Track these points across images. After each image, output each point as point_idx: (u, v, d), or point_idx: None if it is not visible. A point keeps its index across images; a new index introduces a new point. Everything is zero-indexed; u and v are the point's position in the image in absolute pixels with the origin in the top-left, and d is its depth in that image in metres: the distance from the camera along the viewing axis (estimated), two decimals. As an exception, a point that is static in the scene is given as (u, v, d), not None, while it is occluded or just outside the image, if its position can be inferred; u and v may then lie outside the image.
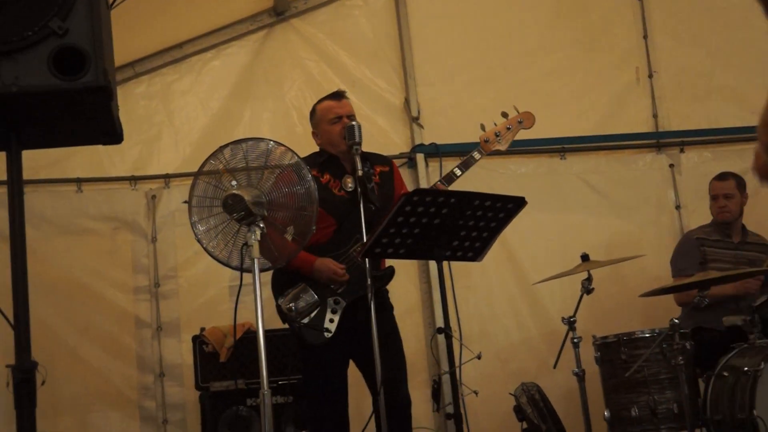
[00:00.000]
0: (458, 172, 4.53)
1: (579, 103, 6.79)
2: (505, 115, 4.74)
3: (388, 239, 3.80)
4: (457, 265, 4.81)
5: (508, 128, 4.76)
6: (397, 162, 6.19)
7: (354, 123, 4.31)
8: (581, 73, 6.84)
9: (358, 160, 4.21)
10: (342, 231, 4.41)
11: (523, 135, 6.40)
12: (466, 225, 3.87)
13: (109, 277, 6.10)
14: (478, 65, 6.74)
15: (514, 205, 3.92)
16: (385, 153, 6.19)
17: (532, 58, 6.79)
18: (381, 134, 6.51)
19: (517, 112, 4.79)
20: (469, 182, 6.26)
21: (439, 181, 4.49)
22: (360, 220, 4.14)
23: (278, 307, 4.38)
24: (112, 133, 3.02)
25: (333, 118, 4.53)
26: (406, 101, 6.61)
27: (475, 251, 4.03)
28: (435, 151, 6.39)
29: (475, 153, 4.61)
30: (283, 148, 3.85)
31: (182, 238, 6.11)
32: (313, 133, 4.64)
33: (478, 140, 4.68)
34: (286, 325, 4.44)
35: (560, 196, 6.56)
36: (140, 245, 6.18)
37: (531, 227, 6.18)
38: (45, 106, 2.82)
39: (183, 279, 6.17)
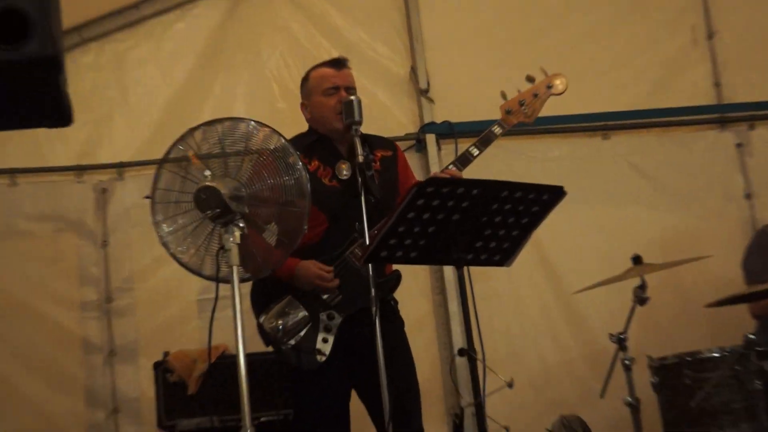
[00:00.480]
0: (475, 151, 4.51)
1: (623, 72, 6.80)
2: (530, 79, 4.65)
3: (397, 240, 3.77)
4: (478, 271, 4.79)
5: (535, 95, 4.68)
6: (402, 145, 6.22)
7: (353, 98, 4.28)
8: (625, 34, 6.85)
9: (357, 142, 4.18)
10: (335, 229, 4.40)
11: (556, 110, 6.38)
12: (491, 222, 3.84)
13: (50, 290, 6.11)
14: (500, 26, 6.74)
15: (551, 196, 3.88)
16: (387, 134, 6.18)
17: (565, 17, 6.81)
18: (382, 111, 6.52)
19: (546, 74, 4.72)
20: (490, 169, 6.24)
21: (453, 163, 4.47)
22: (358, 216, 4.09)
23: (260, 326, 4.36)
24: (60, 115, 2.98)
25: (329, 89, 4.53)
26: (413, 70, 6.61)
27: (502, 254, 4.00)
28: (448, 131, 6.40)
29: (495, 127, 4.58)
30: (267, 129, 3.83)
31: (140, 242, 6.10)
32: (302, 105, 4.64)
33: (499, 112, 4.63)
34: (271, 348, 4.43)
35: (603, 185, 6.57)
36: (88, 250, 6.18)
37: (568, 223, 6.15)
38: (-24, 82, 2.79)
39: (141, 292, 6.17)
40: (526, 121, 4.67)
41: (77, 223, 6.20)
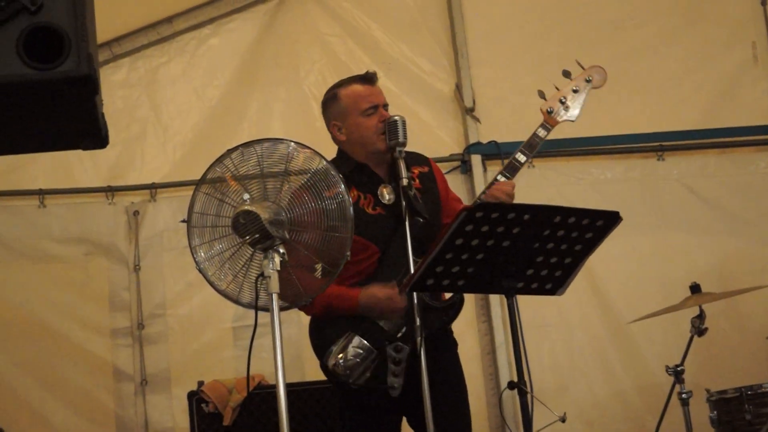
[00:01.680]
0: (522, 157, 4.46)
1: (679, 89, 6.77)
2: (567, 74, 4.60)
3: (444, 268, 3.76)
4: (526, 299, 4.77)
5: (575, 90, 4.61)
6: (446, 167, 6.25)
7: (397, 117, 4.28)
8: (681, 49, 6.82)
9: (402, 165, 4.20)
10: (389, 257, 4.34)
11: (608, 129, 6.43)
12: (543, 249, 3.83)
13: (80, 315, 6.13)
14: (549, 40, 6.73)
15: (605, 222, 3.87)
16: (430, 154, 6.21)
17: (618, 31, 6.79)
18: (424, 131, 6.51)
19: (582, 67, 4.66)
20: (539, 192, 6.30)
21: (502, 173, 4.42)
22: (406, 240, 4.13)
23: (324, 367, 4.29)
24: (95, 136, 3.01)
25: (368, 109, 4.43)
26: (458, 87, 6.61)
27: (554, 282, 3.99)
28: (495, 152, 6.39)
29: (540, 129, 4.53)
30: (308, 150, 3.83)
31: (172, 266, 6.14)
32: (334, 126, 4.52)
33: (541, 112, 4.57)
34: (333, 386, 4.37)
35: (658, 209, 6.54)
36: (119, 275, 6.21)
37: (622, 249, 6.16)
38: (12, 102, 2.81)
39: (174, 318, 6.19)
40: (570, 119, 4.62)
41: (108, 247, 6.23)
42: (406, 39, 6.70)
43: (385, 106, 4.49)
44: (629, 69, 6.61)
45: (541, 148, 6.11)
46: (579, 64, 4.63)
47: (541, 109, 4.56)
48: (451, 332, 4.53)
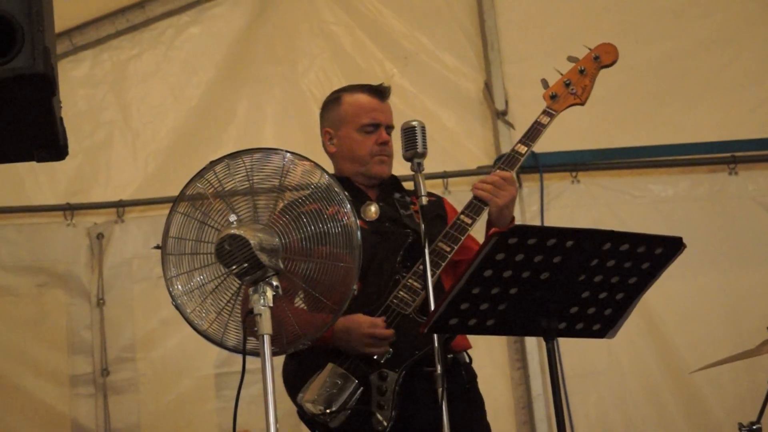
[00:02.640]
0: (523, 148, 4.56)
1: (755, 90, 6.79)
2: (573, 59, 4.77)
3: (471, 304, 3.76)
4: (569, 344, 4.77)
5: (581, 71, 4.76)
6: (474, 181, 6.21)
7: (415, 123, 4.30)
8: (757, 43, 6.84)
9: (421, 180, 4.21)
10: (372, 276, 4.42)
11: (668, 137, 6.42)
12: (590, 282, 3.82)
13: (33, 360, 6.14)
14: (597, 32, 6.70)
15: (666, 249, 3.85)
16: (454, 167, 6.28)
17: (680, 21, 6.81)
18: (448, 139, 6.55)
19: (589, 49, 4.80)
20: (587, 213, 6.30)
21: (499, 166, 4.50)
22: (392, 255, 4.29)
23: (299, 406, 4.34)
24: (52, 144, 3.03)
25: (368, 125, 4.55)
26: (487, 87, 6.63)
27: (603, 323, 3.97)
28: (532, 163, 6.40)
29: (542, 116, 4.65)
30: (306, 163, 3.84)
31: (143, 300, 6.17)
32: (326, 133, 4.66)
33: (543, 99, 4.68)
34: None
35: (729, 233, 6.55)
36: (80, 311, 6.23)
37: (685, 283, 6.17)
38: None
39: (145, 363, 6.20)
40: (576, 103, 4.73)
41: (66, 277, 6.25)
42: (425, 29, 6.73)
43: (389, 128, 4.59)
44: (694, 67, 6.64)
45: (587, 159, 6.19)
46: (586, 47, 4.80)
47: (543, 96, 4.70)
48: (476, 383, 4.56)
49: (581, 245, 3.72)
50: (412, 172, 4.25)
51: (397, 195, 4.56)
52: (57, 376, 6.15)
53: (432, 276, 4.12)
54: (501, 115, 6.57)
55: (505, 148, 6.49)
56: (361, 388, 4.28)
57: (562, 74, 4.73)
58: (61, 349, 6.17)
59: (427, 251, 4.14)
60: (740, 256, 6.50)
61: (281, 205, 3.81)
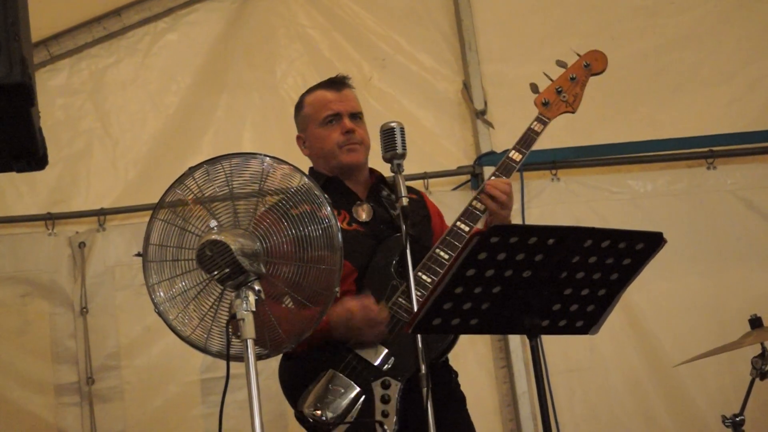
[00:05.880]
0: (517, 156, 4.60)
1: (731, 86, 6.80)
2: (562, 64, 4.85)
3: (454, 304, 3.76)
4: (553, 341, 4.78)
5: (572, 78, 4.83)
6: (455, 181, 6.28)
7: (394, 124, 4.31)
8: (734, 38, 6.86)
9: (401, 181, 4.22)
10: (368, 279, 4.44)
11: (646, 133, 6.44)
12: (572, 279, 3.82)
13: (17, 370, 6.11)
14: (574, 30, 6.75)
15: (647, 245, 3.86)
16: (433, 168, 6.28)
17: (656, 17, 6.83)
18: (427, 139, 6.55)
19: (578, 55, 4.89)
20: (568, 211, 6.31)
21: (495, 174, 4.54)
22: (389, 258, 4.31)
23: (299, 413, 4.32)
24: (32, 154, 3.02)
25: (327, 117, 4.58)
26: (465, 87, 6.63)
27: (586, 319, 3.97)
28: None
29: (535, 123, 4.68)
30: (285, 167, 3.83)
31: (127, 308, 6.15)
32: (298, 139, 4.73)
33: (535, 104, 4.73)
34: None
35: (709, 227, 6.56)
36: (63, 320, 6.19)
37: (666, 278, 6.20)
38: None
39: (130, 371, 6.17)
40: (568, 111, 4.78)
41: (49, 286, 6.22)
42: (402, 30, 6.74)
43: (354, 115, 4.62)
44: (670, 63, 6.67)
45: (567, 157, 6.21)
46: (575, 53, 4.89)
47: (535, 102, 4.74)
48: (457, 384, 4.58)
49: (563, 243, 3.72)
50: (392, 174, 4.27)
51: (384, 193, 4.58)
52: (42, 385, 6.12)
53: (431, 284, 4.15)
54: (480, 114, 6.57)
55: (485, 148, 6.51)
56: (363, 396, 4.28)
57: (552, 80, 4.79)
58: (45, 358, 6.14)
59: (408, 252, 4.14)
60: (720, 250, 6.51)
61: (262, 209, 3.81)
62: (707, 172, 6.62)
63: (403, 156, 4.28)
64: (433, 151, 6.41)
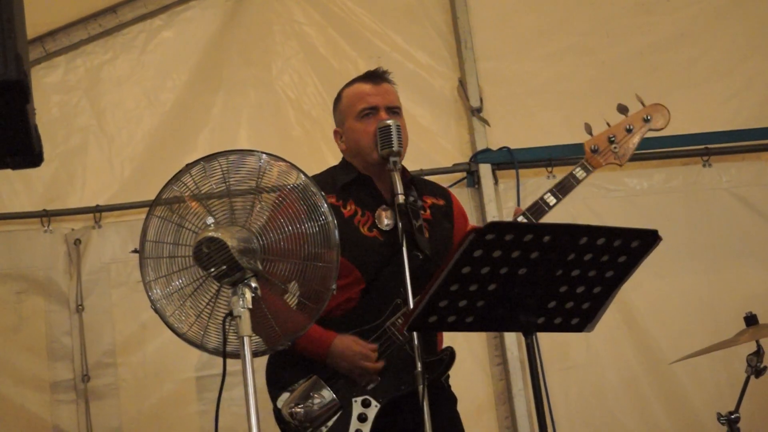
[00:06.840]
0: (552, 200, 4.48)
1: (726, 83, 6.79)
2: (623, 110, 4.62)
3: (449, 302, 3.76)
4: (548, 339, 4.77)
5: (628, 130, 4.63)
6: (450, 179, 6.26)
7: (390, 121, 4.31)
8: (728, 36, 6.84)
9: (397, 178, 4.20)
10: (374, 292, 4.39)
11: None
12: (568, 276, 3.83)
13: (13, 367, 6.11)
14: (570, 27, 6.75)
15: (642, 243, 3.87)
16: (429, 165, 6.27)
17: (651, 15, 6.82)
18: (422, 137, 6.51)
19: (642, 104, 4.68)
20: (559, 208, 6.25)
21: (523, 213, 4.44)
22: (403, 276, 4.13)
23: (277, 411, 4.34)
24: (27, 152, 3.01)
25: (364, 110, 4.50)
26: (461, 84, 6.62)
27: (582, 316, 3.98)
28: (508, 160, 6.41)
29: (578, 170, 4.53)
30: (282, 163, 3.84)
31: (122, 305, 6.14)
32: (335, 133, 4.65)
33: (584, 149, 4.58)
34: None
35: (705, 225, 6.54)
36: (59, 317, 6.19)
37: (661, 276, 6.20)
38: None
39: (126, 368, 6.17)
40: (616, 163, 4.62)
41: (44, 283, 6.22)
42: (398, 27, 6.73)
43: (392, 108, 4.53)
44: (665, 61, 6.65)
45: (563, 154, 6.20)
46: (639, 99, 4.64)
47: (585, 145, 4.57)
48: (448, 385, 4.56)
49: (558, 240, 3.73)
50: (390, 170, 4.26)
51: (411, 198, 4.42)
52: (37, 382, 6.11)
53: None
54: (476, 112, 6.55)
55: (481, 145, 6.49)
56: (341, 410, 4.28)
57: (609, 125, 4.59)
58: (41, 355, 6.14)
59: (405, 251, 4.14)
60: (715, 247, 6.50)
61: (258, 207, 3.80)
62: (703, 169, 6.61)
63: (399, 153, 4.27)
64: (429, 149, 6.40)
